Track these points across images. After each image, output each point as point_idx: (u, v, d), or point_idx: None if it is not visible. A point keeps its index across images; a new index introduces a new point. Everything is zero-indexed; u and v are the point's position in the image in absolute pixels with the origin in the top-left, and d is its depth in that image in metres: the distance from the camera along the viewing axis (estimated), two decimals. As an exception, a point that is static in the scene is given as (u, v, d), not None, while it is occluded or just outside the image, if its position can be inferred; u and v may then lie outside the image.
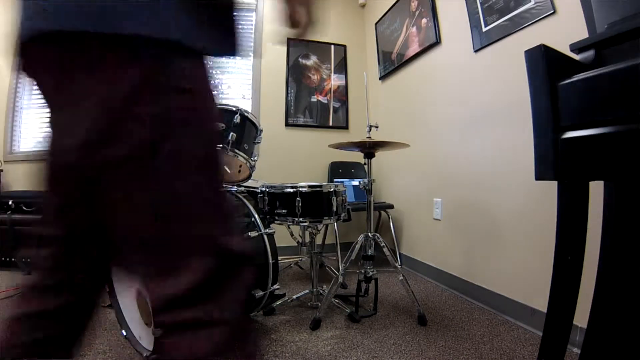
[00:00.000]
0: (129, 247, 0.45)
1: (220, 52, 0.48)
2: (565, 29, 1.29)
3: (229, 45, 0.49)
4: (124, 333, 1.32)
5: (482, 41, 1.74)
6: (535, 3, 1.43)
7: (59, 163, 0.48)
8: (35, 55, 0.43)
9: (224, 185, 0.48)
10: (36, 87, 0.48)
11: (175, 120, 0.42)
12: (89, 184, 0.44)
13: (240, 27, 0.51)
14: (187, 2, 0.42)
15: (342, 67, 3.13)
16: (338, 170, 2.89)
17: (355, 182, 2.54)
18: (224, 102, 1.64)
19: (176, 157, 0.42)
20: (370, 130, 1.68)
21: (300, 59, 3.02)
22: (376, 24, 2.90)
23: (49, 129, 0.50)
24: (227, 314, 0.43)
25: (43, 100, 0.49)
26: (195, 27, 0.43)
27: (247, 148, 1.59)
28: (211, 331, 0.42)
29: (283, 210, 1.59)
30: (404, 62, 2.48)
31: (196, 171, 0.44)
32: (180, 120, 0.42)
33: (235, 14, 0.49)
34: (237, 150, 1.54)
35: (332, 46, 3.10)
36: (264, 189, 1.67)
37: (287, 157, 2.85)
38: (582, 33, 1.15)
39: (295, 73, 3.00)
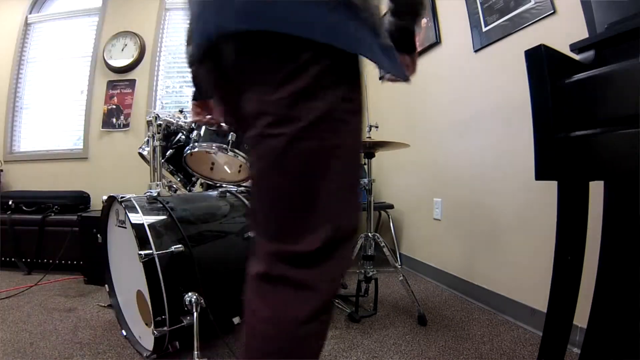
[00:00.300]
0: (270, 207, 0.52)
1: (391, 71, 0.59)
2: (565, 29, 1.29)
3: (395, 68, 0.59)
4: (124, 333, 1.32)
5: (482, 41, 1.74)
6: (535, 3, 1.43)
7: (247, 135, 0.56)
8: (228, 52, 0.53)
9: (359, 178, 0.57)
10: (215, 78, 0.59)
11: (335, 118, 0.51)
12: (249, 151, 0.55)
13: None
14: (375, 26, 0.53)
15: (342, 67, 3.13)
16: (338, 170, 2.89)
17: (355, 182, 2.53)
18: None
19: (330, 145, 0.50)
20: (370, 130, 1.68)
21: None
22: (376, 24, 2.90)
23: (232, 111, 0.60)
24: (326, 285, 0.50)
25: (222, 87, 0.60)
26: (380, 49, 0.54)
27: (247, 148, 1.59)
28: (309, 295, 0.48)
29: (283, 210, 1.59)
30: (404, 62, 2.48)
31: (344, 159, 0.52)
32: (339, 120, 0.52)
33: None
34: (237, 151, 1.54)
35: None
36: (264, 189, 1.67)
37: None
38: (582, 33, 1.15)
39: (295, 73, 3.00)
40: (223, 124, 0.91)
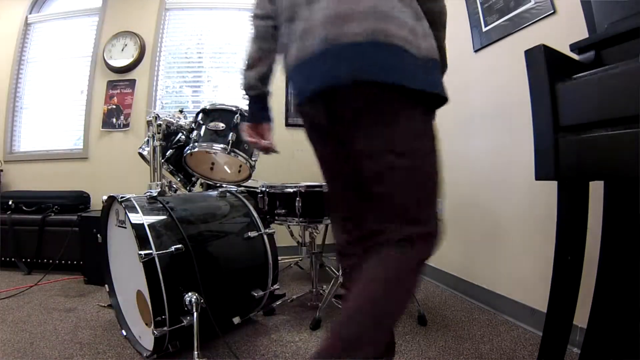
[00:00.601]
0: (408, 205, 0.73)
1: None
2: (565, 29, 1.29)
3: None
4: (124, 333, 1.32)
5: (482, 41, 1.74)
6: (535, 3, 1.43)
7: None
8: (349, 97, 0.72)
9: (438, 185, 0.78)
10: (332, 119, 0.77)
11: (429, 152, 0.75)
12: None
13: None
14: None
15: (342, 67, 3.12)
16: (338, 170, 2.88)
17: (355, 182, 2.53)
18: (224, 102, 1.64)
19: (430, 171, 0.75)
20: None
21: (300, 59, 3.02)
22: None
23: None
24: (428, 251, 0.74)
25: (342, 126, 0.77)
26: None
27: (247, 148, 1.59)
28: (420, 257, 0.72)
29: (283, 210, 1.59)
30: (404, 62, 2.48)
31: (435, 180, 0.76)
32: (432, 152, 0.76)
33: None
34: (237, 150, 1.54)
35: (332, 46, 3.10)
36: (264, 189, 1.67)
37: (287, 157, 2.84)
38: (582, 33, 1.15)
39: (295, 73, 3.00)
40: (276, 150, 1.02)
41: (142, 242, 1.10)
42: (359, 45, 0.68)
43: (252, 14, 0.91)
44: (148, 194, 1.34)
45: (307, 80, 0.76)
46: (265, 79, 0.92)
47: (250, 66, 0.91)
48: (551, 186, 0.84)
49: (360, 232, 0.83)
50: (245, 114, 1.59)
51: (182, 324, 1.10)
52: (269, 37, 0.88)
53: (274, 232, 1.49)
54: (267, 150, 1.00)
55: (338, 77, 0.70)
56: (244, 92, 0.95)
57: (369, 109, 0.71)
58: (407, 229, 0.72)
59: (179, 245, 1.15)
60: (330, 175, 0.90)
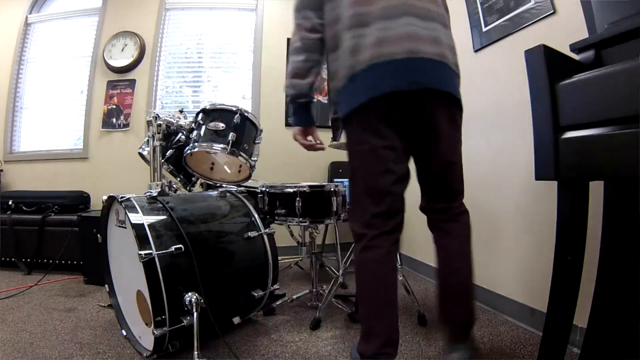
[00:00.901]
0: (445, 186, 1.04)
1: None
2: (565, 29, 1.29)
3: None
4: (124, 333, 1.32)
5: (482, 41, 1.74)
6: (535, 3, 1.43)
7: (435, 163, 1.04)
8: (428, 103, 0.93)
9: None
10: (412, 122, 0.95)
11: (458, 137, 1.04)
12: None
13: None
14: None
15: (342, 67, 3.12)
16: (338, 170, 2.89)
17: (355, 182, 2.53)
18: (224, 102, 1.64)
19: (456, 155, 1.05)
20: (370, 130, 1.67)
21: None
22: (376, 24, 2.89)
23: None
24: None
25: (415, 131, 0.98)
26: None
27: (247, 148, 1.59)
28: (466, 217, 1.06)
29: (283, 210, 1.59)
30: (404, 62, 2.47)
31: (460, 157, 1.05)
32: (459, 140, 1.05)
33: None
34: (237, 150, 1.54)
35: (332, 46, 3.10)
36: (264, 189, 1.67)
37: (287, 157, 2.84)
38: (582, 33, 1.15)
39: (295, 73, 2.99)
40: (324, 147, 1.14)
41: (142, 242, 1.10)
42: (433, 62, 0.88)
43: (299, 26, 0.99)
44: (148, 194, 1.34)
45: (386, 80, 0.87)
46: (313, 87, 1.01)
47: (301, 76, 0.99)
48: (551, 186, 0.84)
49: (391, 225, 1.01)
50: (246, 114, 1.60)
51: (182, 324, 1.10)
52: (316, 49, 0.98)
53: (274, 232, 1.49)
54: (318, 149, 1.12)
55: (420, 83, 0.87)
56: (294, 99, 1.02)
57: (445, 114, 0.95)
58: (461, 202, 1.05)
59: (179, 245, 1.15)
60: (383, 169, 0.94)
